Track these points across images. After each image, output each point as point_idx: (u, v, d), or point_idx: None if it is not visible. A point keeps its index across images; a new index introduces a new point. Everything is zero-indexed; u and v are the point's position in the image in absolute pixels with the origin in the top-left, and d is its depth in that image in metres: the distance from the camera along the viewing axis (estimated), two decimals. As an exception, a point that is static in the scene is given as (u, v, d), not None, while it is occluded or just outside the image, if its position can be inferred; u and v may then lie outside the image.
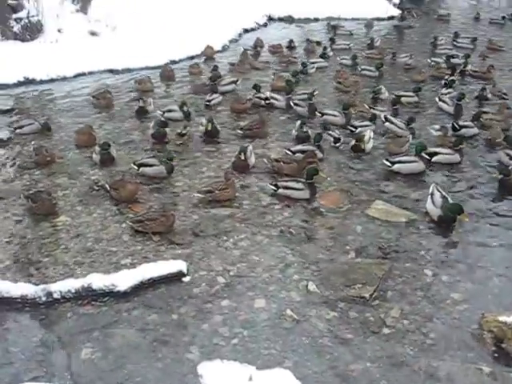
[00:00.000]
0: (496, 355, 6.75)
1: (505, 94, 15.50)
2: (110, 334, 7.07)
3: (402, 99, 14.81)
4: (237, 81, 16.35)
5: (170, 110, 13.87)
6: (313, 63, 18.46)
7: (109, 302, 7.63)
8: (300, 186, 10.12)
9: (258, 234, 9.12)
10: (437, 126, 12.95)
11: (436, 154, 11.50)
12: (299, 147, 11.65)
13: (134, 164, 11.08)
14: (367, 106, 14.15)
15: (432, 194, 9.55)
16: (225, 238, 9.03)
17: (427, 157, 11.42)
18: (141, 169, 10.99)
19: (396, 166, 11.01)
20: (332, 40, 21.61)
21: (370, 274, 8.07)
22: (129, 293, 7.73)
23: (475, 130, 13.01)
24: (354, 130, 12.86)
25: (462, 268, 8.35)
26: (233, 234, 9.11)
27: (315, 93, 14.62)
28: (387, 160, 11.13)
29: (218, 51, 20.78)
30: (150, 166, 10.95)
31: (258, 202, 10.16)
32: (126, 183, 10.09)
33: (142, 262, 8.34)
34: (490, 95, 15.30)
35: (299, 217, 9.68)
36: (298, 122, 12.75)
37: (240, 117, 14.27)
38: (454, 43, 21.50)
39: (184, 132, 12.48)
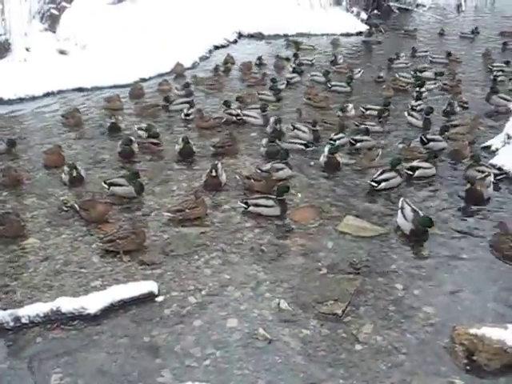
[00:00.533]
0: (468, 368, 6.78)
1: (466, 103, 15.95)
2: (80, 359, 6.94)
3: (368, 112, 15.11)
4: (191, 101, 16.24)
5: (140, 129, 13.81)
6: (290, 78, 18.72)
7: (78, 325, 7.50)
8: (270, 202, 10.11)
9: (230, 253, 9.07)
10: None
11: (417, 168, 11.59)
12: (269, 165, 11.62)
13: (105, 183, 10.98)
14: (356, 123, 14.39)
15: (402, 208, 9.60)
16: (196, 256, 8.96)
17: (409, 172, 11.50)
18: (111, 188, 10.88)
19: (382, 184, 10.96)
20: (295, 56, 21.79)
21: (341, 290, 8.07)
22: (99, 316, 7.61)
23: (443, 144, 13.18)
24: (354, 143, 13.08)
25: (433, 281, 8.39)
26: (204, 253, 9.05)
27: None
28: (373, 181, 11.01)
29: (188, 68, 20.79)
30: (120, 185, 10.86)
31: (229, 220, 10.12)
32: (96, 203, 9.97)
33: (113, 283, 8.23)
34: (457, 109, 15.54)
35: (270, 234, 9.65)
36: (265, 140, 12.82)
37: (210, 134, 14.24)
38: (430, 58, 21.82)
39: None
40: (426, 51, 22.83)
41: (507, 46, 23.71)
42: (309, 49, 23.87)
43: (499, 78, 17.93)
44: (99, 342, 7.20)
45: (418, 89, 16.89)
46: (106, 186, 10.94)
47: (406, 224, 9.43)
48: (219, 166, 11.24)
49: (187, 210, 9.85)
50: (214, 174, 10.92)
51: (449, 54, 21.81)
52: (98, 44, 21.17)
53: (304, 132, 13.56)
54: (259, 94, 16.84)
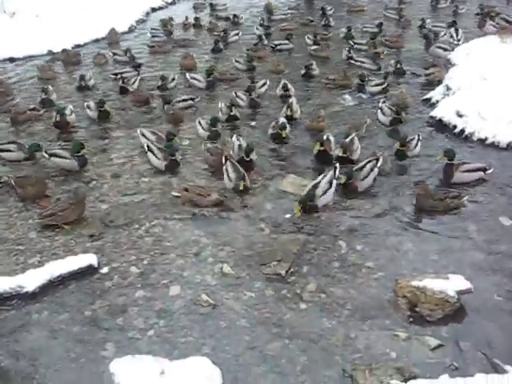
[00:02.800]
0: (411, 320, 6.86)
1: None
2: (20, 338, 6.73)
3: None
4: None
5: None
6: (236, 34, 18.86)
7: (16, 304, 7.26)
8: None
9: (170, 219, 8.90)
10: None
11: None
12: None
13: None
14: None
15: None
16: (136, 226, 8.77)
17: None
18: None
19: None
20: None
21: (284, 250, 8.02)
22: (37, 293, 7.38)
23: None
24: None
25: (376, 237, 8.43)
26: (144, 222, 8.86)
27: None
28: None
29: (125, 32, 20.17)
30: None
31: (170, 186, 9.93)
32: (33, 180, 9.59)
33: (52, 259, 7.97)
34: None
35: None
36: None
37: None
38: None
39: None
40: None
41: None
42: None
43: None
44: (39, 320, 6.99)
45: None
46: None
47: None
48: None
49: (59, 213, 8.94)
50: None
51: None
52: (28, 11, 20.29)
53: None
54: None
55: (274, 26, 20.27)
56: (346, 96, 13.70)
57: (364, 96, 13.83)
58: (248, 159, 9.99)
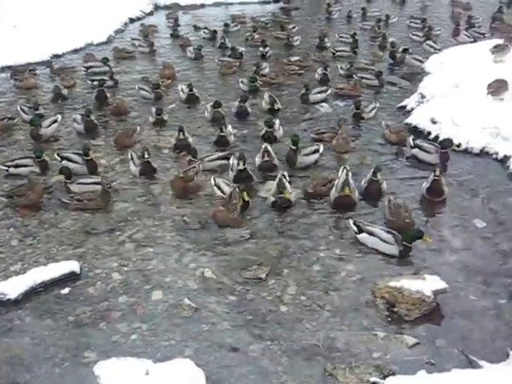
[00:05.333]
0: (389, 319, 7.04)
1: None
2: (3, 345, 6.74)
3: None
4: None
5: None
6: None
7: (-1, 312, 7.28)
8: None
9: (152, 226, 9.01)
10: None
11: None
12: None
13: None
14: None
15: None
16: (118, 233, 8.85)
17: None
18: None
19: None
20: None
21: (264, 254, 8.18)
22: (20, 300, 7.42)
23: None
24: None
25: (352, 240, 8.58)
26: (126, 229, 8.94)
27: None
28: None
29: (103, 43, 20.21)
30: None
31: (151, 194, 10.05)
32: (33, 186, 9.60)
33: (33, 266, 8.01)
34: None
35: (192, 205, 9.64)
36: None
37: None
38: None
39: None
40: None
41: None
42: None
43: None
44: (22, 327, 7.02)
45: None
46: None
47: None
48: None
49: (85, 201, 9.50)
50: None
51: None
52: (7, 21, 20.25)
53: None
54: None
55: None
56: (323, 104, 13.91)
57: (341, 104, 14.06)
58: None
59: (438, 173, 9.37)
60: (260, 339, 6.72)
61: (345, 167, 9.69)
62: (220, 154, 11.06)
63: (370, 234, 8.39)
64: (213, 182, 9.75)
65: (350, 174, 9.52)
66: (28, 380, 6.26)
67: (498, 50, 14.38)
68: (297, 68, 16.64)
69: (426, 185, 9.65)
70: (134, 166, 10.54)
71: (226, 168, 10.57)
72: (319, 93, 14.19)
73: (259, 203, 9.62)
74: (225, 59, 17.31)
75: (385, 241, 8.29)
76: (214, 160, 10.85)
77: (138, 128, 12.27)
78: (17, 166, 10.70)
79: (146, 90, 14.60)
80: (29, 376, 6.31)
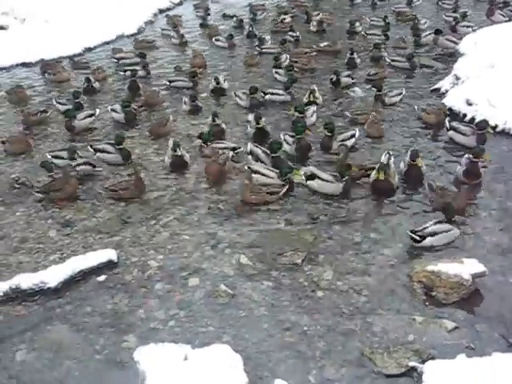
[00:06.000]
0: (427, 303, 6.97)
1: None
2: (44, 333, 6.89)
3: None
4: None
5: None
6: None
7: (40, 300, 7.43)
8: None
9: (187, 214, 9.06)
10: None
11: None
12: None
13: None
14: None
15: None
16: (153, 221, 8.93)
17: None
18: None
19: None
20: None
21: (300, 240, 8.16)
22: (60, 288, 7.55)
23: None
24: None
25: (391, 225, 8.53)
26: (161, 217, 9.02)
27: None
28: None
29: (134, 34, 20.31)
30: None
31: (185, 182, 10.10)
32: (68, 179, 9.74)
33: (71, 255, 8.13)
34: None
35: (227, 193, 9.65)
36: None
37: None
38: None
39: None
40: None
41: None
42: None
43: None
44: (62, 315, 7.15)
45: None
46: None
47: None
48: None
49: (120, 191, 9.60)
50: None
51: None
52: (38, 16, 20.56)
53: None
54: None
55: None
56: (356, 88, 13.77)
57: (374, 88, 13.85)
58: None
59: (477, 155, 9.21)
60: (297, 325, 6.72)
61: (388, 152, 9.66)
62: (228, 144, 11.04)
63: (313, 178, 9.22)
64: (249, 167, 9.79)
65: (392, 158, 9.50)
66: (69, 366, 6.38)
67: None
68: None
69: (461, 168, 9.48)
70: (167, 158, 10.60)
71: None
72: (348, 76, 14.12)
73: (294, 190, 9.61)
74: (266, 46, 17.38)
75: (326, 180, 9.17)
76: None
77: (171, 117, 12.33)
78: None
79: (181, 80, 14.65)
80: (70, 363, 6.42)
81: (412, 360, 6.06)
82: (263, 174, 9.54)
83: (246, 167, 9.75)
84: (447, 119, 11.16)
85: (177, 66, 16.11)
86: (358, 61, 15.39)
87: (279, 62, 15.22)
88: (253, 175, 9.40)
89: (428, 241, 7.89)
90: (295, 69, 14.74)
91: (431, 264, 7.30)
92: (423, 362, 5.97)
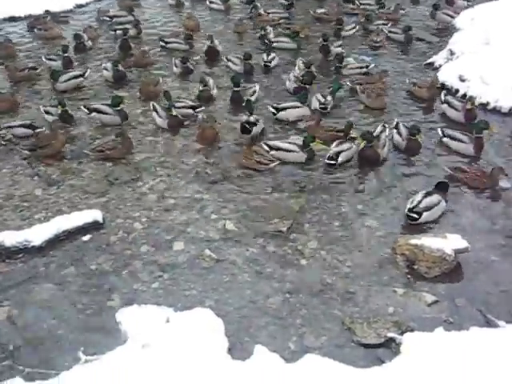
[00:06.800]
0: (409, 276, 7.05)
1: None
2: (28, 291, 6.90)
3: None
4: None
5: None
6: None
7: (24, 258, 7.42)
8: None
9: (174, 177, 9.04)
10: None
11: None
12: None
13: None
14: None
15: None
16: (140, 183, 8.90)
17: None
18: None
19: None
20: None
21: (286, 208, 8.19)
22: (44, 247, 7.54)
23: None
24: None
25: (377, 197, 8.57)
26: (148, 179, 8.99)
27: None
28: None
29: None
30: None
31: (173, 145, 10.04)
32: (56, 135, 9.66)
33: (57, 215, 8.10)
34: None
35: (214, 157, 9.63)
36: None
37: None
38: None
39: None
40: None
41: None
42: None
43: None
44: (46, 274, 7.16)
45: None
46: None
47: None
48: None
49: (107, 151, 9.53)
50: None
51: None
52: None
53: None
54: None
55: None
56: (349, 59, 13.61)
57: (367, 58, 13.73)
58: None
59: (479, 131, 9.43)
60: (279, 292, 6.79)
61: (384, 124, 9.87)
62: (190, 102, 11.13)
63: (277, 149, 9.39)
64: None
65: (386, 131, 9.71)
66: (51, 325, 6.41)
67: None
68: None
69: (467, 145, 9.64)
70: (159, 118, 10.51)
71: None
72: (339, 46, 13.96)
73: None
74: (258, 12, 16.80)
75: (290, 150, 9.33)
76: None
77: (161, 79, 12.19)
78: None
79: (177, 42, 14.38)
80: (52, 321, 6.45)
81: (391, 331, 6.15)
82: (284, 150, 9.42)
83: (262, 143, 9.60)
84: (443, 92, 11.13)
85: (172, 32, 15.65)
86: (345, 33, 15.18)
87: (265, 33, 14.75)
88: (273, 152, 9.37)
89: (424, 216, 7.93)
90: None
91: (415, 238, 7.36)
92: (402, 333, 6.05)
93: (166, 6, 17.99)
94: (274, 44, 14.30)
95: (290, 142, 9.57)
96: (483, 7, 15.65)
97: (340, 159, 9.25)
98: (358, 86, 11.63)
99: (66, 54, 13.03)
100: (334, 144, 9.46)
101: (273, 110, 10.70)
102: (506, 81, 11.29)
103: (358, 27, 15.45)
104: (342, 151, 9.32)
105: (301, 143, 9.40)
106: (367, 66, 12.92)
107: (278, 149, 9.40)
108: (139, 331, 5.81)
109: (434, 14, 16.06)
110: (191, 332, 5.81)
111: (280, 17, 16.62)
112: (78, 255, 7.44)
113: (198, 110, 10.86)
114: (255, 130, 10.06)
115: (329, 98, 11.00)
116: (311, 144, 9.34)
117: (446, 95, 11.01)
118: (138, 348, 5.61)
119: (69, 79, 12.15)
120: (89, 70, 12.54)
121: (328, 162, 9.22)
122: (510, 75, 11.36)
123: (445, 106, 10.87)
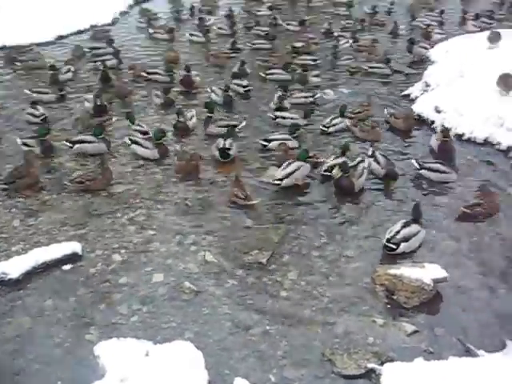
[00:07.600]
0: (388, 306, 7.08)
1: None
2: (5, 324, 6.80)
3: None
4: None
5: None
6: None
7: (1, 291, 7.31)
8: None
9: (154, 209, 9.03)
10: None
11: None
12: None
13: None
14: None
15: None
16: (119, 214, 8.88)
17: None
18: (76, 146, 10.63)
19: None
20: None
21: (266, 239, 8.21)
22: (21, 280, 7.46)
23: None
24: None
25: (355, 227, 8.63)
26: (127, 211, 8.97)
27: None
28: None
29: (108, 24, 20.04)
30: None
31: (153, 177, 10.06)
32: (31, 165, 9.64)
33: (35, 246, 8.03)
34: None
35: (194, 188, 9.65)
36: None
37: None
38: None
39: None
40: None
41: None
42: None
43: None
44: (23, 307, 7.07)
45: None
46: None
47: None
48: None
49: (87, 182, 9.49)
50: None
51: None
52: (11, 3, 20.13)
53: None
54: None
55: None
56: (328, 90, 13.85)
57: (345, 91, 14.01)
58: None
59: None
60: (259, 323, 6.77)
61: (363, 157, 10.09)
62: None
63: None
64: None
65: (365, 162, 9.85)
66: (30, 359, 6.31)
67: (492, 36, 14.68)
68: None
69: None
70: (145, 149, 10.53)
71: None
72: (316, 76, 14.71)
73: (260, 188, 9.66)
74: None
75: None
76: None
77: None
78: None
79: (159, 74, 14.55)
80: (30, 355, 6.35)
81: (371, 362, 6.16)
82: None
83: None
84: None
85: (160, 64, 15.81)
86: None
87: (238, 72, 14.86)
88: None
89: (402, 247, 7.95)
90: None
91: (393, 268, 7.42)
92: (382, 363, 6.07)
93: (146, 38, 18.24)
94: (269, 76, 14.73)
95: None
96: (457, 40, 16.08)
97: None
98: (347, 120, 11.80)
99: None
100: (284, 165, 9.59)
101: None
102: (480, 112, 11.53)
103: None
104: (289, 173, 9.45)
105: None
106: (313, 96, 13.20)
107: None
108: (118, 365, 5.76)
109: (410, 47, 16.42)
110: (171, 365, 5.77)
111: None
112: (57, 288, 7.36)
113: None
114: (232, 153, 10.30)
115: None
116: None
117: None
118: (116, 382, 5.56)
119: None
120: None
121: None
122: (484, 107, 11.63)
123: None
